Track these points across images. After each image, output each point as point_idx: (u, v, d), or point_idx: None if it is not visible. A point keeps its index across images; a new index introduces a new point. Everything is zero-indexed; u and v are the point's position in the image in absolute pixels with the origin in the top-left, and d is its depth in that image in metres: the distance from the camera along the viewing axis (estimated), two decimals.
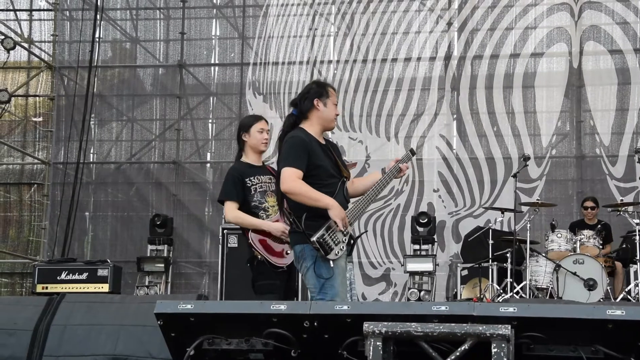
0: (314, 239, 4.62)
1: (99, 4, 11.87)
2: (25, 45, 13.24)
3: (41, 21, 13.72)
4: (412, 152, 5.21)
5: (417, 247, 10.23)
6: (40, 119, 13.62)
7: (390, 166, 5.02)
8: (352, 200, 5.00)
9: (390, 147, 12.09)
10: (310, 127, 4.90)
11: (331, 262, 4.67)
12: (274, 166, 5.19)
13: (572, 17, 11.85)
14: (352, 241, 4.86)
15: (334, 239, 4.70)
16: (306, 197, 4.71)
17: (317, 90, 4.90)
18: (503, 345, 3.44)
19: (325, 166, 4.84)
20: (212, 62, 13.18)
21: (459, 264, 10.39)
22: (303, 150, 4.77)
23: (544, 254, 9.21)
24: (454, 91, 12.12)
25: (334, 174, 4.89)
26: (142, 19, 13.48)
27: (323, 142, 4.97)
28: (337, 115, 4.98)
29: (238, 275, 9.03)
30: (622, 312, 3.55)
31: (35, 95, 13.64)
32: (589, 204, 9.89)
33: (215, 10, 13.31)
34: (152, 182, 12.80)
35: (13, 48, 11.77)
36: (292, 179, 4.71)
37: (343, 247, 4.74)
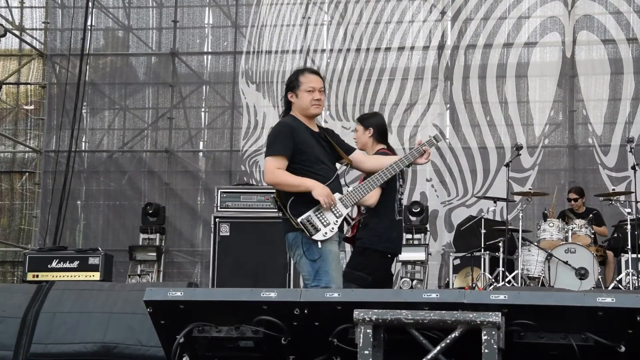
0: (298, 220, 4.64)
1: None
2: (17, 32, 13.17)
3: (33, 8, 13.64)
4: (437, 139, 5.11)
5: (409, 236, 10.20)
6: (32, 107, 13.58)
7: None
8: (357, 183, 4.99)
9: None
10: (297, 115, 4.93)
11: (319, 243, 4.66)
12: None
13: (566, 7, 11.84)
14: (349, 222, 4.82)
15: (323, 221, 4.68)
16: (287, 184, 4.74)
17: (290, 83, 4.92)
18: (493, 332, 3.44)
19: (312, 152, 4.83)
20: (205, 50, 13.14)
21: (451, 253, 10.38)
22: (286, 135, 4.78)
23: (536, 243, 9.22)
24: (447, 80, 12.10)
25: (324, 160, 4.87)
26: (135, 6, 13.42)
27: (316, 129, 4.96)
28: (317, 100, 4.84)
29: (230, 264, 9.03)
30: (612, 300, 3.54)
31: (26, 83, 13.59)
32: (572, 195, 9.96)
33: None
34: (144, 170, 12.77)
35: (4, 35, 11.64)
36: (271, 171, 4.76)
37: (334, 228, 4.71)
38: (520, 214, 9.29)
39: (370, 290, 4.27)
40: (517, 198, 10.18)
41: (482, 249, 9.54)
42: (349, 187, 4.92)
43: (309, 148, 4.82)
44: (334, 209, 4.72)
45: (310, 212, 4.67)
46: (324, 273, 4.68)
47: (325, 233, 4.69)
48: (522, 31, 12.01)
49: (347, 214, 4.80)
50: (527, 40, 12.00)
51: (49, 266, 9.14)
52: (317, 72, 5.01)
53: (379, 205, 5.12)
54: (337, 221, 4.74)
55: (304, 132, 4.85)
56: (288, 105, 4.95)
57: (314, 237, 4.66)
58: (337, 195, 4.78)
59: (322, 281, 4.66)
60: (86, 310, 5.75)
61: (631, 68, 11.64)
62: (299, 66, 12.26)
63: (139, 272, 10.44)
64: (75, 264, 9.16)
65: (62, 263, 9.11)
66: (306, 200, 4.68)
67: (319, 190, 4.68)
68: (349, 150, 5.07)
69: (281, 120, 4.95)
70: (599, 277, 8.89)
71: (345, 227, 4.82)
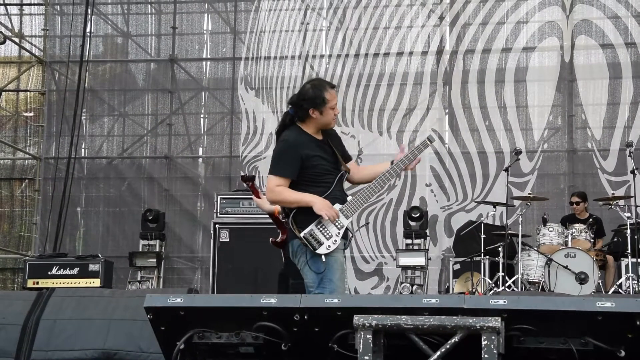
0: (301, 235, 4.66)
1: None
2: (16, 39, 13.18)
3: (32, 15, 13.66)
4: (430, 140, 5.03)
5: (409, 241, 10.22)
6: (32, 114, 13.58)
7: (399, 158, 4.93)
8: (356, 190, 4.97)
9: (382, 142, 12.08)
10: (307, 127, 4.87)
11: (323, 257, 4.68)
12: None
13: (564, 11, 11.85)
14: (350, 234, 4.84)
15: (325, 234, 4.69)
16: (287, 202, 4.78)
17: (313, 100, 4.78)
18: (493, 337, 3.44)
19: (320, 165, 4.82)
20: (204, 56, 13.15)
21: (451, 258, 10.39)
22: (291, 156, 4.76)
23: (535, 248, 9.22)
24: (446, 85, 12.11)
25: (331, 169, 4.86)
26: (134, 13, 13.44)
27: (321, 136, 4.91)
28: (337, 114, 4.92)
29: (230, 270, 9.03)
30: (612, 304, 3.54)
31: (26, 90, 13.60)
32: (575, 199, 9.95)
33: (206, 4, 13.27)
34: (144, 177, 12.77)
35: (3, 42, 11.69)
36: (270, 190, 4.79)
37: (337, 240, 4.71)
38: (520, 219, 9.29)
39: (370, 296, 4.28)
40: (516, 203, 10.18)
41: (482, 254, 9.53)
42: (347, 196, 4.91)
43: (316, 161, 4.80)
44: (335, 221, 4.72)
45: (312, 226, 4.69)
46: (328, 281, 4.68)
47: (329, 246, 4.70)
48: (521, 36, 12.02)
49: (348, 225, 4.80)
50: (526, 45, 12.02)
51: (49, 273, 9.15)
52: (334, 85, 4.96)
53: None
54: (339, 233, 4.74)
55: (310, 145, 4.82)
56: (298, 116, 4.83)
57: (317, 252, 4.68)
58: (337, 206, 4.77)
59: (326, 289, 4.67)
60: (86, 317, 5.76)
61: (630, 72, 11.66)
62: (298, 72, 12.31)
63: (139, 279, 10.45)
64: (75, 271, 9.18)
65: (62, 270, 9.12)
66: (310, 211, 4.70)
67: (319, 204, 4.69)
68: (346, 157, 5.03)
69: (286, 137, 4.83)
70: (599, 281, 8.89)
71: (340, 239, 4.78)
